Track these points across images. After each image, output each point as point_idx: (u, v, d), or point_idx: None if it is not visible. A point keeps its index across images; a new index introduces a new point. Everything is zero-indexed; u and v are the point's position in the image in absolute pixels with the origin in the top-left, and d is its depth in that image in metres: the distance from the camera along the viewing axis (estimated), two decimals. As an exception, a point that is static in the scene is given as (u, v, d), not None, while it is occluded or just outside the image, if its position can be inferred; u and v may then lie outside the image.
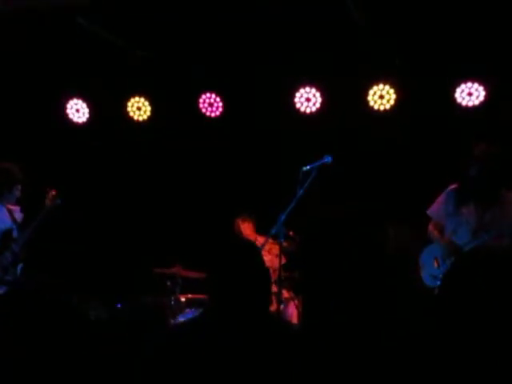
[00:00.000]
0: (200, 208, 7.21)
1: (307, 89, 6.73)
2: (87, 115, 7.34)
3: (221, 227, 6.62)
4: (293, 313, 6.35)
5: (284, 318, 6.09)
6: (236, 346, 2.30)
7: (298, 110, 6.77)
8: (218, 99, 7.04)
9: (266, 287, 2.49)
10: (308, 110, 6.76)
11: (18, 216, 5.28)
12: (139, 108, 7.22)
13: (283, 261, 5.40)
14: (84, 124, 7.37)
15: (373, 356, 4.08)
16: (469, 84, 6.27)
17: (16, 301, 2.30)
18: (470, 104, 6.29)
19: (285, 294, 6.20)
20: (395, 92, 6.48)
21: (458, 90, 6.31)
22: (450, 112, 6.40)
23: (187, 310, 6.14)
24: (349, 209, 6.55)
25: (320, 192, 5.10)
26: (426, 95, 6.40)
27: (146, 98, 7.20)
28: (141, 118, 7.24)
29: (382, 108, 6.53)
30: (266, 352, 2.31)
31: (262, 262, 2.49)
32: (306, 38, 6.15)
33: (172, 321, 5.84)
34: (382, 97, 6.52)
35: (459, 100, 6.32)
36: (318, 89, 6.71)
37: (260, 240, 6.11)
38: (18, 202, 5.31)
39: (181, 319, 5.87)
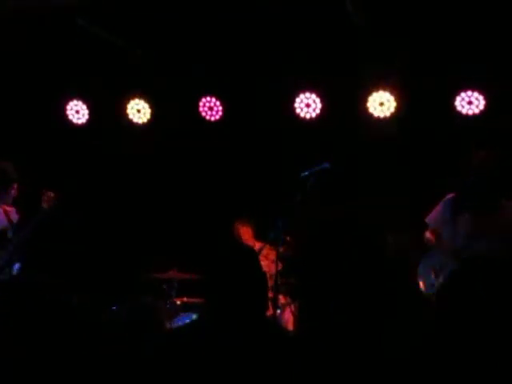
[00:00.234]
0: (199, 212, 7.19)
1: (307, 94, 6.72)
2: (87, 116, 7.32)
3: (219, 231, 6.60)
4: (289, 318, 6.34)
5: (280, 323, 6.07)
6: (233, 350, 2.29)
7: (298, 115, 6.77)
8: (217, 103, 7.03)
9: (263, 292, 2.48)
10: (308, 116, 6.75)
11: (14, 217, 5.25)
12: (139, 110, 7.21)
13: (280, 267, 5.38)
14: (83, 125, 7.35)
15: (371, 359, 4.06)
16: (469, 92, 6.28)
17: (16, 301, 2.28)
18: (470, 112, 6.29)
19: (281, 299, 6.18)
20: (395, 99, 6.49)
21: (458, 99, 6.31)
22: (450, 120, 6.40)
23: (181, 314, 6.11)
24: (348, 211, 6.53)
25: (319, 197, 5.09)
26: (426, 103, 6.40)
27: (146, 101, 7.18)
28: (140, 121, 7.23)
29: (381, 115, 6.52)
30: (263, 356, 2.30)
31: (260, 266, 2.49)
32: (307, 43, 6.16)
33: (168, 324, 5.81)
34: (381, 104, 6.52)
35: (459, 108, 6.32)
36: (317, 95, 6.71)
37: (257, 245, 6.09)
38: (14, 203, 5.28)
39: (177, 323, 5.84)
